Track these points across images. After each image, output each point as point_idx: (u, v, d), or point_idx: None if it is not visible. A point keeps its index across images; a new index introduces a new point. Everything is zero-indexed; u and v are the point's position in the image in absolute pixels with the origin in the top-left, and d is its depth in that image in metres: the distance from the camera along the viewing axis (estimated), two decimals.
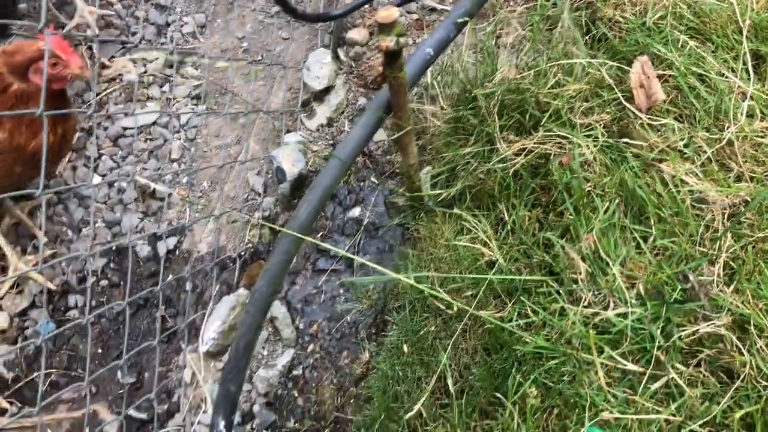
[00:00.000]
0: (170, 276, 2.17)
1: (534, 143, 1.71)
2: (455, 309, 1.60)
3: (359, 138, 1.48)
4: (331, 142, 2.27)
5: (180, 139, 2.48)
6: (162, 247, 2.20)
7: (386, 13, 1.28)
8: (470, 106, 1.85)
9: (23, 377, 2.00)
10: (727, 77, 1.76)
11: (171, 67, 2.66)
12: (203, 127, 2.51)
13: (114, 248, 2.24)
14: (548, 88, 1.75)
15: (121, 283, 2.18)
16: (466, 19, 1.63)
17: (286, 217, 2.16)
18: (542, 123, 1.71)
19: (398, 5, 1.36)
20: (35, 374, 1.99)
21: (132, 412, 1.91)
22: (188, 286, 2.13)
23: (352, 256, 1.49)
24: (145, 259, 2.22)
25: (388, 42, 1.30)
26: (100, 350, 2.06)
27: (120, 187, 2.36)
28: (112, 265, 2.21)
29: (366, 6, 2.53)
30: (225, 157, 2.37)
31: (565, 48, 1.87)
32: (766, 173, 1.66)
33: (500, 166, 1.72)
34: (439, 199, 1.80)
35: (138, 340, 2.08)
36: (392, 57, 1.35)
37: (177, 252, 2.23)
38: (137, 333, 2.09)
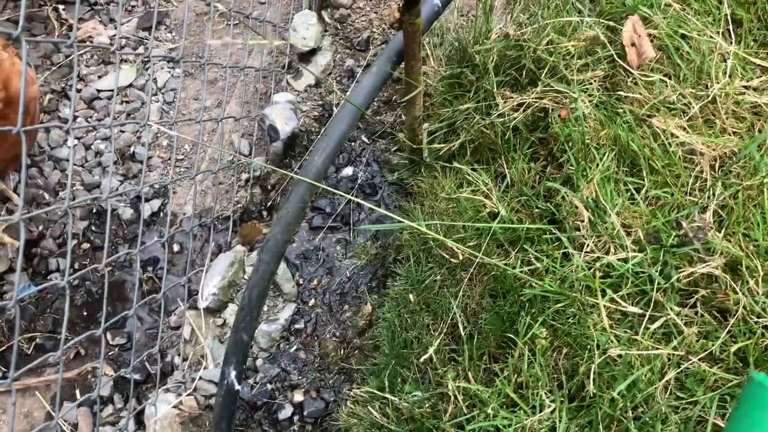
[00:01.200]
0: (155, 237, 2.12)
1: (533, 98, 1.76)
2: (461, 258, 1.63)
3: (373, 84, 1.49)
4: (320, 102, 2.26)
5: (158, 101, 2.42)
6: (146, 209, 2.15)
7: None
8: (467, 63, 1.88)
9: (5, 342, 1.92)
10: (710, 37, 1.85)
11: (146, 29, 2.58)
12: (182, 90, 2.46)
13: (95, 210, 2.17)
14: (545, 45, 1.80)
15: (104, 245, 2.12)
16: None
17: (278, 176, 2.14)
18: (540, 78, 1.75)
19: None
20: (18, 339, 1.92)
21: (122, 373, 1.86)
22: (176, 247, 2.09)
23: (374, 207, 1.50)
24: (128, 221, 2.17)
25: None
26: (85, 313, 2.00)
27: (98, 150, 2.28)
28: (93, 228, 2.15)
29: None
30: (204, 122, 2.33)
31: (557, 7, 1.92)
32: (747, 129, 1.76)
33: (499, 120, 1.76)
34: (439, 154, 1.83)
35: (123, 304, 2.03)
36: (411, 3, 1.36)
37: (161, 214, 2.19)
38: (124, 296, 2.04)
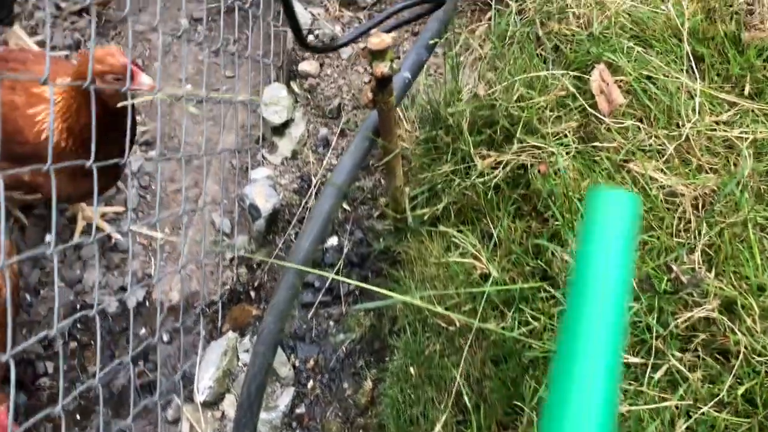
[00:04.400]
0: (143, 329, 2.08)
1: (510, 155, 1.77)
2: (458, 325, 1.62)
3: (353, 163, 1.49)
4: (299, 174, 2.26)
5: (134, 187, 2.40)
6: (131, 301, 2.11)
7: (378, 40, 1.30)
8: (440, 125, 1.89)
9: None
10: (675, 78, 1.88)
11: None
12: (156, 173, 2.44)
13: (79, 307, 2.13)
14: (516, 102, 1.81)
15: (92, 342, 2.07)
16: (436, 40, 1.67)
17: (264, 254, 2.12)
18: (516, 135, 1.76)
19: (388, 32, 1.38)
20: None
21: None
22: (165, 337, 2.05)
23: (363, 284, 1.48)
24: (114, 315, 2.12)
25: (383, 68, 1.32)
26: (79, 416, 1.94)
27: (77, 243, 2.25)
28: (79, 326, 2.10)
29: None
30: (184, 201, 2.30)
31: (524, 62, 1.94)
32: (723, 164, 1.78)
33: (480, 180, 1.77)
34: (423, 219, 1.82)
35: (119, 410, 1.97)
36: (384, 83, 1.36)
37: (148, 303, 2.15)
38: (114, 399, 1.98)
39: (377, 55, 1.31)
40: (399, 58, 2.16)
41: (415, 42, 1.66)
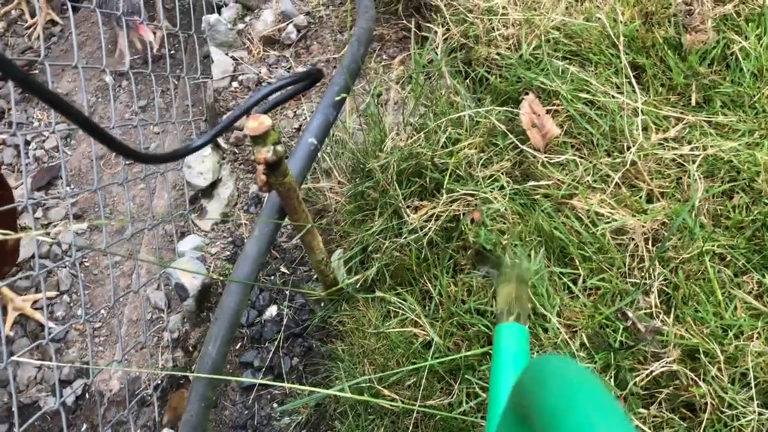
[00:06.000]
0: (84, 425, 1.94)
1: (441, 207, 1.62)
2: (400, 406, 1.48)
3: (257, 253, 1.34)
4: (230, 239, 2.11)
5: (65, 267, 2.25)
6: (69, 397, 1.97)
7: (256, 124, 1.15)
8: (368, 178, 1.74)
9: None
10: (614, 96, 1.73)
11: (40, 189, 2.43)
12: (87, 249, 2.29)
13: (13, 409, 1.98)
14: (441, 147, 1.67)
15: None
16: (343, 95, 1.53)
17: (198, 334, 1.98)
18: (443, 185, 1.62)
19: (265, 112, 1.24)
20: None
21: None
22: None
23: (291, 385, 1.34)
24: (52, 413, 1.98)
25: (265, 153, 1.17)
26: None
27: (8, 337, 2.10)
28: (16, 430, 1.96)
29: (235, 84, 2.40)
30: (118, 277, 2.16)
31: (449, 99, 1.80)
32: (674, 186, 1.64)
33: (412, 237, 1.62)
34: (358, 285, 1.68)
35: None
36: (273, 166, 1.22)
37: (87, 396, 2.01)
38: None
39: (258, 140, 1.16)
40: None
41: (320, 101, 1.51)
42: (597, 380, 0.56)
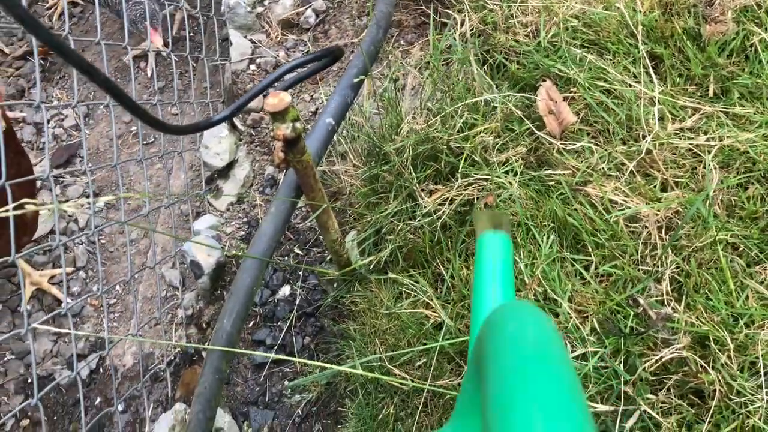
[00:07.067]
0: (98, 399, 1.97)
1: (455, 191, 1.63)
2: (410, 385, 1.49)
3: (274, 228, 1.36)
4: (245, 219, 2.13)
5: (82, 243, 2.28)
6: (84, 370, 2.01)
7: (275, 101, 1.17)
8: (383, 161, 1.75)
9: None
10: (631, 85, 1.74)
11: (59, 166, 2.46)
12: (104, 226, 2.32)
13: (30, 381, 2.02)
14: (457, 132, 1.68)
15: (44, 419, 1.97)
16: (362, 78, 1.54)
17: (212, 311, 2.00)
18: (458, 169, 1.63)
19: (285, 89, 1.25)
20: None
21: None
22: (121, 406, 1.94)
23: (305, 360, 1.36)
24: (67, 386, 2.02)
25: (284, 130, 1.19)
26: None
27: (26, 310, 2.14)
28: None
29: (253, 67, 2.42)
30: (133, 255, 2.19)
31: (466, 84, 1.80)
32: (689, 176, 1.64)
33: (426, 220, 1.64)
34: (371, 266, 1.69)
35: None
36: (291, 143, 1.23)
37: (101, 370, 2.04)
38: None
39: (277, 116, 1.18)
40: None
41: (338, 83, 1.52)
42: (549, 336, 0.52)
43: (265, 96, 1.23)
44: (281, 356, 1.44)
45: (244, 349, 1.87)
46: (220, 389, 1.35)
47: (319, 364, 1.28)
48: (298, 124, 1.21)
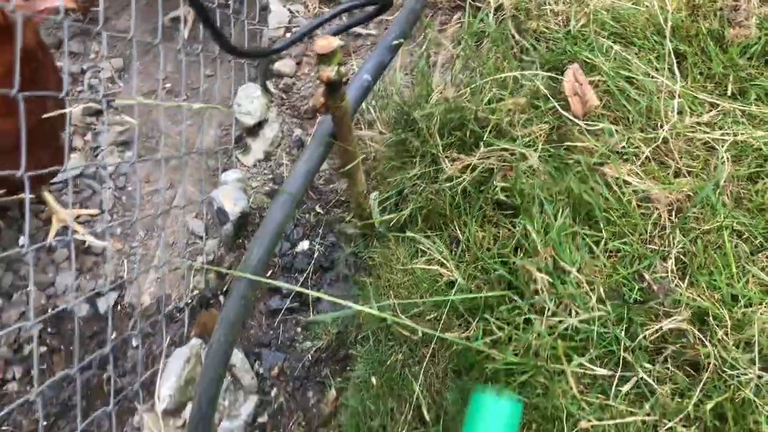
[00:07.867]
0: (114, 334, 2.05)
1: (478, 159, 1.71)
2: (420, 334, 1.57)
3: (307, 170, 1.44)
4: (271, 176, 2.22)
5: (110, 188, 2.37)
6: (103, 305, 2.09)
7: (325, 43, 1.25)
8: (410, 128, 1.83)
9: None
10: (653, 77, 1.82)
11: (92, 115, 2.54)
12: (133, 174, 2.41)
13: (49, 310, 2.10)
14: (485, 104, 1.76)
15: (61, 347, 2.05)
16: (401, 41, 1.62)
17: (232, 259, 2.09)
18: (483, 139, 1.71)
19: (335, 34, 1.33)
20: None
21: None
22: (135, 342, 2.02)
23: (309, 291, 1.43)
24: (85, 318, 2.10)
25: (329, 72, 1.27)
26: (45, 422, 1.91)
27: (50, 245, 2.22)
28: (49, 330, 2.08)
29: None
30: (160, 203, 2.27)
31: (497, 62, 1.88)
32: (702, 167, 1.72)
33: (447, 185, 1.71)
34: (390, 224, 1.77)
35: (87, 407, 1.95)
36: (334, 87, 1.32)
37: (119, 307, 2.12)
38: (84, 399, 1.96)
39: (324, 59, 1.26)
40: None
41: (377, 44, 1.61)
42: None
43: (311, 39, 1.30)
44: (300, 289, 1.51)
45: (261, 296, 1.94)
46: (243, 315, 1.42)
47: (335, 299, 1.36)
48: (342, 69, 1.29)
